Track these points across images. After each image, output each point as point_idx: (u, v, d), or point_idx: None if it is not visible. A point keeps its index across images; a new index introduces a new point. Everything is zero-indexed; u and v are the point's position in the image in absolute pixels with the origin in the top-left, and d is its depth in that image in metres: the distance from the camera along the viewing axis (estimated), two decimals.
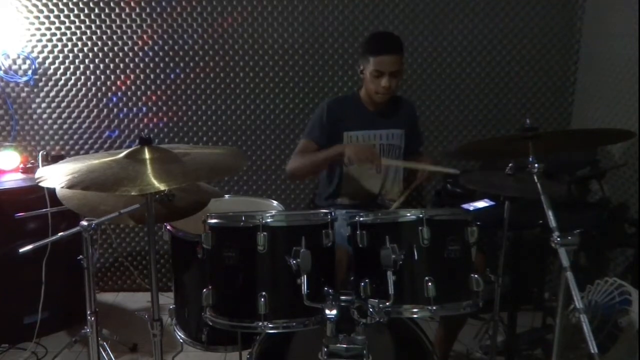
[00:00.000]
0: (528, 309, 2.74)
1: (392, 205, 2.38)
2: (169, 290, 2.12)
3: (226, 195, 2.43)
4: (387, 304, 1.47)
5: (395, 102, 2.39)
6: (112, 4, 2.95)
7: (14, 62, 3.00)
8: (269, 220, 1.51)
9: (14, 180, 2.76)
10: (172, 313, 1.97)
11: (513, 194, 1.94)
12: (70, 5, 2.94)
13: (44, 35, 2.96)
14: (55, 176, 1.51)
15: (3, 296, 2.59)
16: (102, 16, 2.97)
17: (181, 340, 2.00)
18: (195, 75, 3.06)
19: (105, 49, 3.01)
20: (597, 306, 2.16)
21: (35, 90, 3.03)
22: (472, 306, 1.55)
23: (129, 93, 3.07)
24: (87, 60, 3.02)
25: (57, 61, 3.01)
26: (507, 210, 2.03)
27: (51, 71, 3.02)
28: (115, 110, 3.09)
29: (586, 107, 3.04)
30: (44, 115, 3.07)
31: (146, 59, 3.03)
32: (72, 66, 3.02)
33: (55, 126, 3.09)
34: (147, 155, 1.55)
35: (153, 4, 2.96)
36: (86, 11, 2.95)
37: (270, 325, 1.50)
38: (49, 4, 2.93)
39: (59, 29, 2.97)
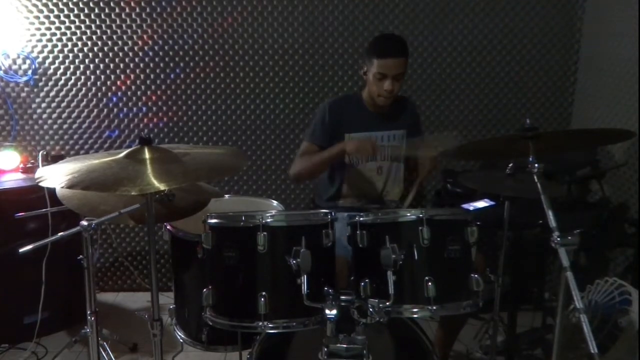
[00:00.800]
0: (528, 309, 2.74)
1: (393, 206, 2.38)
2: (169, 290, 2.12)
3: (226, 195, 2.43)
4: (387, 303, 1.47)
5: (397, 103, 2.37)
6: (112, 4, 2.96)
7: (14, 62, 3.00)
8: (269, 220, 1.51)
9: (14, 180, 2.76)
10: (172, 313, 1.97)
11: (513, 194, 1.94)
12: (70, 5, 2.94)
13: (44, 35, 2.96)
14: (55, 176, 1.51)
15: (3, 296, 2.59)
16: (102, 16, 2.97)
17: (181, 340, 2.00)
18: (195, 75, 3.06)
19: (105, 49, 3.01)
20: (597, 306, 2.16)
21: (35, 90, 3.03)
22: (472, 306, 1.55)
23: (129, 93, 3.07)
24: (87, 60, 3.02)
25: (57, 61, 3.01)
26: (507, 210, 2.03)
27: (51, 71, 3.02)
28: (115, 110, 3.09)
29: (586, 107, 3.04)
30: (44, 115, 3.07)
31: (146, 59, 3.03)
32: (72, 66, 3.02)
33: (55, 126, 3.09)
34: (147, 155, 1.55)
35: (153, 4, 2.96)
36: (86, 11, 2.96)
37: (270, 325, 1.50)
38: (49, 4, 2.93)
39: (59, 29, 2.97)
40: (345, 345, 1.42)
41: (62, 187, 1.50)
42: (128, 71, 3.04)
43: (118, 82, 3.06)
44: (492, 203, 2.35)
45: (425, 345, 1.70)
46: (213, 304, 1.58)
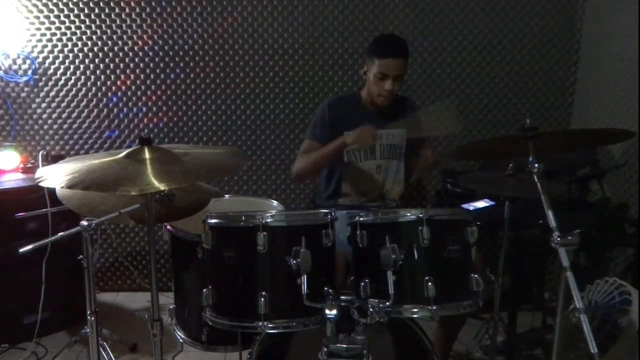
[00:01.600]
0: (528, 309, 2.75)
1: (393, 205, 2.38)
2: (169, 290, 2.12)
3: (226, 195, 2.43)
4: (387, 303, 1.46)
5: (397, 102, 2.38)
6: (112, 4, 2.96)
7: (14, 62, 3.00)
8: (269, 220, 1.51)
9: (14, 180, 2.76)
10: (172, 313, 1.97)
11: (513, 194, 1.94)
12: (70, 5, 2.94)
13: (44, 35, 2.97)
14: (55, 176, 1.51)
15: (3, 296, 2.59)
16: (102, 16, 2.97)
17: (181, 340, 2.00)
18: (195, 75, 3.06)
19: (105, 49, 3.01)
20: (597, 306, 2.16)
21: (35, 90, 3.03)
22: (472, 306, 1.55)
23: (129, 93, 3.07)
24: (87, 60, 3.02)
25: (57, 61, 3.01)
26: (507, 210, 2.03)
27: (51, 71, 3.02)
28: (115, 110, 3.09)
29: (586, 107, 3.04)
30: (44, 115, 3.07)
31: (146, 59, 3.03)
32: (72, 66, 3.02)
33: (55, 126, 3.09)
34: (147, 155, 1.55)
35: (153, 4, 2.96)
36: (86, 11, 2.96)
37: (270, 325, 1.50)
38: (49, 4, 2.93)
39: (59, 29, 2.97)
40: (345, 345, 1.42)
41: (62, 187, 1.50)
42: (128, 71, 3.04)
43: (118, 82, 3.06)
44: (492, 203, 2.35)
45: (425, 345, 1.70)
46: (213, 304, 1.58)
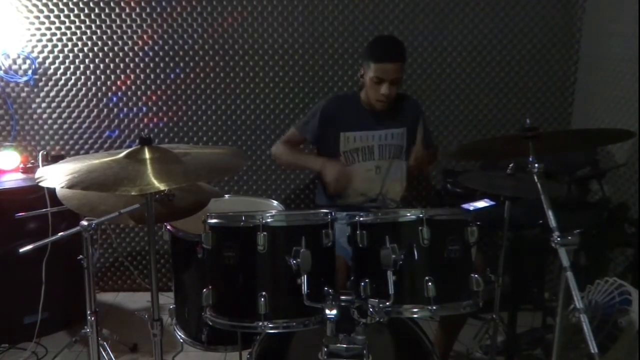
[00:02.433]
0: (528, 309, 2.74)
1: (393, 206, 2.37)
2: (169, 290, 2.12)
3: (226, 195, 2.43)
4: (387, 303, 1.46)
5: (397, 101, 2.36)
6: (112, 4, 2.95)
7: (14, 62, 3.00)
8: (269, 220, 1.51)
9: (14, 180, 2.76)
10: (172, 313, 1.97)
11: (513, 194, 1.94)
12: (70, 5, 2.94)
13: (44, 35, 2.96)
14: (56, 176, 1.51)
15: (3, 296, 2.59)
16: (102, 16, 2.97)
17: (181, 340, 2.00)
18: (195, 75, 3.06)
19: (106, 49, 3.01)
20: (597, 306, 2.16)
21: (35, 90, 3.03)
22: (472, 306, 1.55)
23: (129, 93, 3.07)
24: (87, 60, 3.02)
25: (57, 61, 3.01)
26: (507, 210, 2.03)
27: (51, 71, 3.02)
28: (115, 110, 3.09)
29: (586, 107, 3.04)
30: (44, 115, 3.07)
31: (146, 59, 3.03)
32: (72, 66, 3.02)
33: (55, 126, 3.09)
34: (147, 155, 1.55)
35: (153, 4, 2.96)
36: (86, 11, 2.95)
37: (270, 325, 1.50)
38: (49, 4, 2.93)
39: (59, 29, 2.97)
40: (345, 345, 1.42)
41: (62, 187, 1.50)
42: (128, 71, 3.04)
43: (118, 82, 3.06)
44: (492, 203, 2.35)
45: (425, 345, 1.70)
46: (213, 304, 1.58)
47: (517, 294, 2.47)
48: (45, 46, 2.98)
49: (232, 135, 3.14)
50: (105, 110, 3.09)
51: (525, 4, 3.01)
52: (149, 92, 3.08)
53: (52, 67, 3.01)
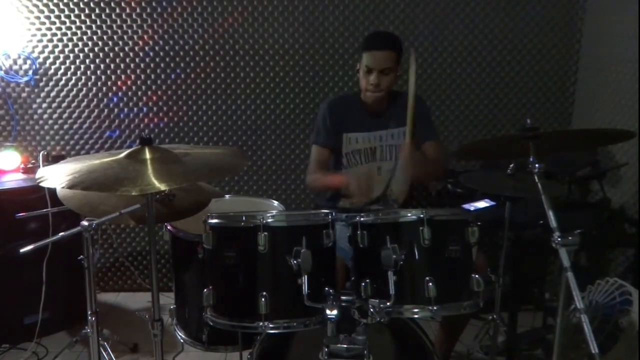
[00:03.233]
0: (529, 309, 2.75)
1: (395, 206, 2.35)
2: (169, 291, 2.12)
3: (227, 195, 2.43)
4: (388, 304, 1.46)
5: (397, 99, 2.34)
6: (112, 4, 2.95)
7: (15, 62, 3.00)
8: (269, 220, 1.51)
9: (14, 180, 2.76)
10: (172, 313, 1.97)
11: (514, 194, 1.94)
12: (71, 5, 2.94)
13: (44, 35, 2.96)
14: (56, 176, 1.51)
15: (3, 296, 2.59)
16: (102, 16, 2.97)
17: (182, 340, 2.01)
18: (195, 75, 3.06)
19: (106, 49, 3.01)
20: (597, 306, 2.16)
21: (36, 90, 3.03)
22: (473, 306, 1.55)
23: (129, 93, 3.07)
24: (87, 60, 3.02)
25: (57, 61, 3.01)
26: (507, 211, 2.03)
27: (52, 71, 3.02)
28: (115, 110, 3.09)
29: (587, 107, 3.04)
30: (45, 116, 3.07)
31: (146, 59, 3.03)
32: (72, 66, 3.02)
33: (55, 126, 3.09)
34: (147, 155, 1.55)
35: (153, 4, 2.96)
36: (86, 11, 2.96)
37: (270, 326, 1.50)
38: (49, 4, 2.93)
39: (59, 29, 2.97)
40: (345, 346, 1.42)
41: (63, 188, 1.50)
42: (128, 71, 3.04)
43: (118, 82, 3.06)
44: (492, 203, 2.35)
45: (426, 346, 1.70)
46: (213, 304, 1.58)
47: (517, 294, 2.47)
48: (46, 46, 2.98)
49: (232, 135, 3.14)
50: (106, 110, 3.09)
51: (526, 4, 3.01)
52: (149, 92, 3.08)
53: (53, 67, 3.01)
